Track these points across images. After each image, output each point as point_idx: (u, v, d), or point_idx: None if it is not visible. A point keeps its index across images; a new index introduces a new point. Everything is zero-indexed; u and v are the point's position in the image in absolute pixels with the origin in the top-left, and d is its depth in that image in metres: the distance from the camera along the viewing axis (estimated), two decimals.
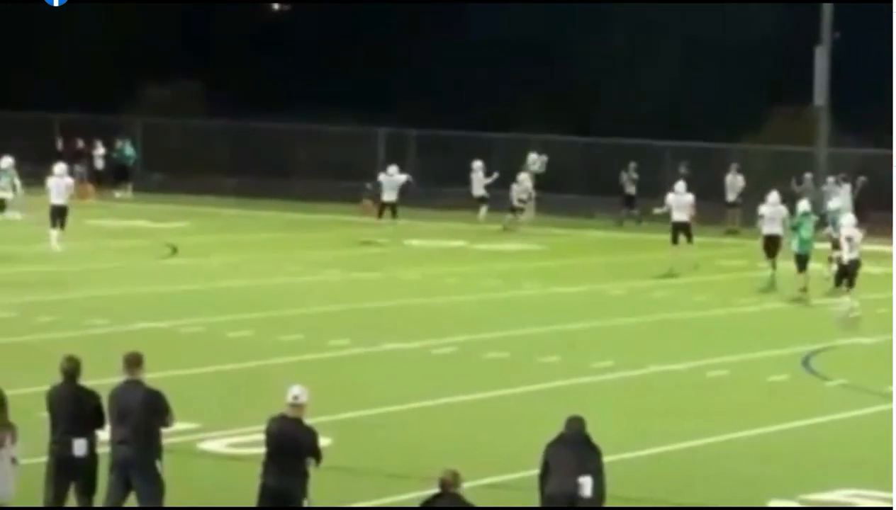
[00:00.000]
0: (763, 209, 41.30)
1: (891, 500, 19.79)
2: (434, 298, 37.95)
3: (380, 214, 49.47)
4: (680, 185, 43.92)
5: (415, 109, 68.46)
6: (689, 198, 43.55)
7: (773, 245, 40.49)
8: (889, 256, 43.34)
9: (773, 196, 41.23)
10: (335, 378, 27.41)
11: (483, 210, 53.90)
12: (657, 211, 44.68)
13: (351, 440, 22.60)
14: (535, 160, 55.82)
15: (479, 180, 54.42)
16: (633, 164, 56.80)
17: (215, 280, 39.88)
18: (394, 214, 49.16)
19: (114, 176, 64.11)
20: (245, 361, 28.78)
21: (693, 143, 58.79)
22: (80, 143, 64.87)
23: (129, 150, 64.83)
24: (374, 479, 21.24)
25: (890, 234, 47.89)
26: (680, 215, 43.05)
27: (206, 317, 33.53)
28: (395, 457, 22.33)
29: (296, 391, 16.86)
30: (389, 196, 49.38)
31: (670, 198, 43.58)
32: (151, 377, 17.63)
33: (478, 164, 54.68)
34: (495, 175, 54.32)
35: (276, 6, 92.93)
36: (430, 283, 40.50)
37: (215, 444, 22.67)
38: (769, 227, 40.73)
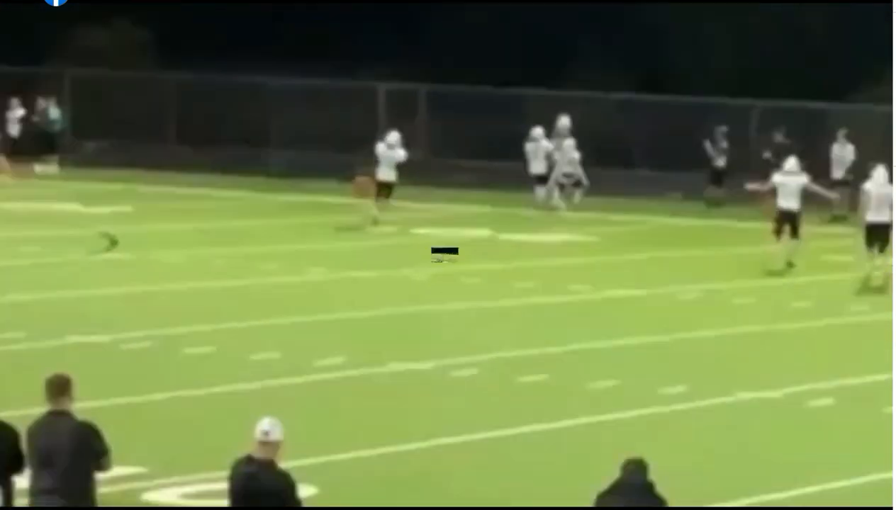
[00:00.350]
0: (867, 186, 41.28)
1: None
2: (450, 304, 38.08)
3: (377, 196, 49.49)
4: (791, 163, 43.59)
5: (424, 62, 68.67)
6: (802, 179, 43.37)
7: (878, 236, 40.39)
8: None
9: (880, 172, 41.18)
10: (323, 407, 27.75)
11: (542, 191, 53.93)
12: (750, 187, 44.35)
13: (343, 488, 22.73)
14: (567, 125, 55.91)
15: (540, 152, 54.47)
16: (721, 129, 56.80)
17: (167, 281, 40.05)
18: (387, 197, 49.34)
19: (35, 145, 64.24)
20: (205, 387, 28.96)
21: (787, 102, 58.75)
22: None
23: (54, 113, 64.97)
24: None
25: None
26: (788, 201, 42.80)
27: (156, 329, 33.69)
28: None
29: (266, 425, 16.87)
30: (386, 174, 49.51)
31: (777, 178, 43.43)
32: (82, 407, 17.68)
33: (538, 132, 54.72)
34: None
35: None
36: (444, 285, 40.64)
37: (166, 494, 22.77)
38: (875, 214, 40.65)
